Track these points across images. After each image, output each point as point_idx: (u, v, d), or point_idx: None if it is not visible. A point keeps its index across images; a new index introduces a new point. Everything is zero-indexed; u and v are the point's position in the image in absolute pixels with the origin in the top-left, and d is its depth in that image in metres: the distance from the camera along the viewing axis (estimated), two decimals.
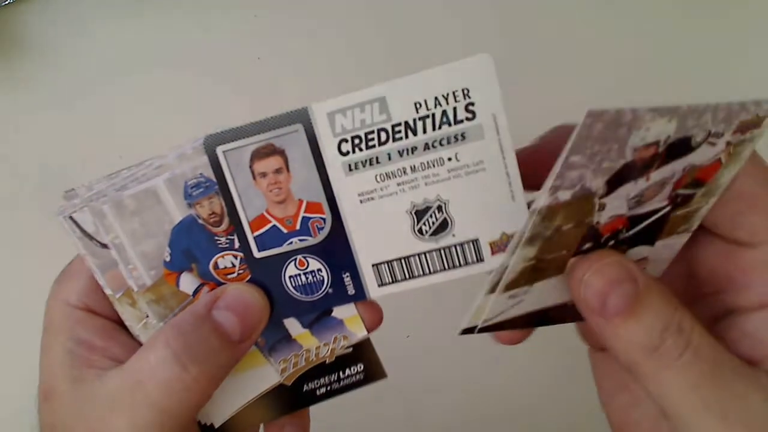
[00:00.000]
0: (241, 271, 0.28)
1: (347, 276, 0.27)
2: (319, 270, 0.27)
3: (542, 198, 0.22)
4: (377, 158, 0.26)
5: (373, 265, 0.27)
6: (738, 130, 0.24)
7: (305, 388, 0.30)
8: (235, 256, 0.28)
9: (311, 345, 0.29)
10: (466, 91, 0.25)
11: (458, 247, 0.27)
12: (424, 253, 0.27)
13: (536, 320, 0.27)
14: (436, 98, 0.25)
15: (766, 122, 0.24)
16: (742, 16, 0.52)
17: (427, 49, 0.48)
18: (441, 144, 0.26)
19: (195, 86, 0.48)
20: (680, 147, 0.24)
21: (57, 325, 0.28)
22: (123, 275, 0.27)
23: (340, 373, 0.30)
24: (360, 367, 0.30)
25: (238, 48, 0.48)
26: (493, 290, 0.25)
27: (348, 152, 0.26)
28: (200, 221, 0.27)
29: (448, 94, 0.25)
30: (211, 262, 0.28)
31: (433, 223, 0.26)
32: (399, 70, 0.49)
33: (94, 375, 0.27)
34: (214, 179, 0.27)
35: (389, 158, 0.26)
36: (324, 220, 0.27)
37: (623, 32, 0.50)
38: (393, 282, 0.27)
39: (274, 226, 0.27)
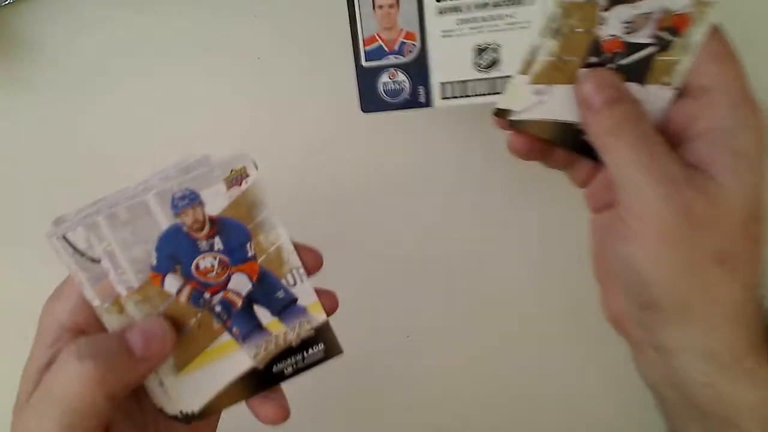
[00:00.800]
0: (219, 270, 0.32)
1: (421, 88, 0.37)
2: (404, 81, 0.36)
3: None
4: (460, 7, 0.35)
5: (440, 83, 0.36)
6: None
7: (275, 368, 0.34)
8: (215, 258, 0.32)
9: (280, 331, 0.34)
10: None
11: (500, 79, 0.36)
12: (477, 80, 0.36)
13: (556, 134, 0.35)
14: None
15: None
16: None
17: None
18: (505, 4, 0.35)
19: (195, 86, 0.49)
20: None
21: (43, 341, 0.31)
22: (112, 283, 0.31)
23: (304, 353, 0.34)
24: (321, 346, 0.34)
25: (238, 48, 0.48)
26: (524, 72, 0.35)
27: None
28: (184, 228, 0.31)
29: None
30: (193, 264, 0.32)
31: (488, 59, 0.36)
32: None
33: None
34: (198, 192, 0.31)
35: (468, 9, 0.35)
36: (415, 45, 0.36)
37: None
38: (452, 98, 0.36)
39: (380, 45, 0.36)
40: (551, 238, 0.49)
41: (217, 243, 0.32)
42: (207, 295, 0.33)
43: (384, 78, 0.36)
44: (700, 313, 0.31)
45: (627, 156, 0.31)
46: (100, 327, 0.32)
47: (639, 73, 0.33)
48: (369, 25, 0.36)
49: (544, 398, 0.51)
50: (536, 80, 0.35)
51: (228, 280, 0.33)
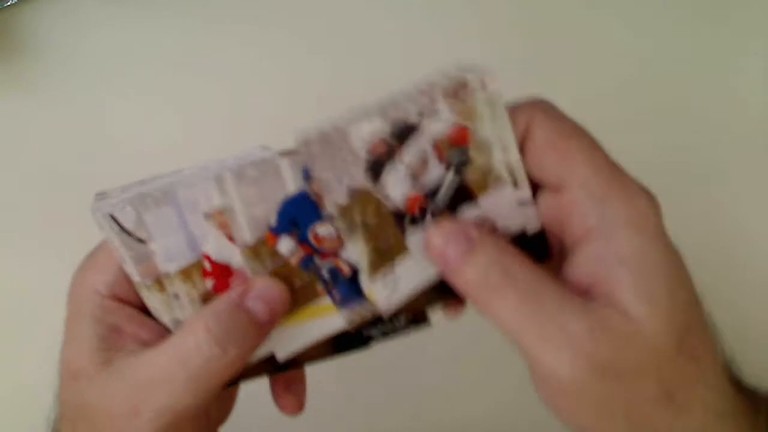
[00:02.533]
0: (336, 239, 0.32)
1: None
2: None
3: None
4: None
5: None
6: (452, 97, 0.29)
7: (365, 333, 0.34)
8: (333, 226, 0.32)
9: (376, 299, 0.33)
10: None
11: None
12: None
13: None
14: None
15: (472, 81, 0.28)
16: (743, 18, 0.53)
17: (434, 47, 0.49)
18: None
19: (195, 86, 0.49)
20: (404, 131, 0.29)
21: (86, 312, 0.31)
22: (156, 263, 0.31)
23: (394, 323, 0.34)
24: (409, 316, 0.34)
25: (239, 48, 0.49)
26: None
27: None
28: (312, 196, 0.31)
29: None
30: (311, 229, 0.31)
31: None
32: (403, 68, 0.46)
33: (125, 356, 0.30)
34: None
35: None
36: None
37: (623, 32, 0.52)
38: None
39: None
40: None
41: None
42: (317, 260, 0.32)
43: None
44: None
45: (505, 316, 0.27)
46: (139, 299, 0.31)
47: (462, 198, 0.31)
48: None
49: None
50: (373, 271, 0.32)
51: (340, 249, 0.32)
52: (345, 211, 0.30)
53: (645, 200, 0.27)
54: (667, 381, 0.26)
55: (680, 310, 0.26)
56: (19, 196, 0.49)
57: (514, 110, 0.29)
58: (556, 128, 0.28)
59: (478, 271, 0.28)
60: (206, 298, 0.32)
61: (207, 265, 0.31)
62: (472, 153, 0.30)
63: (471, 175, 0.30)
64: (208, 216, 0.30)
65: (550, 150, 0.28)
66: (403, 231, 0.31)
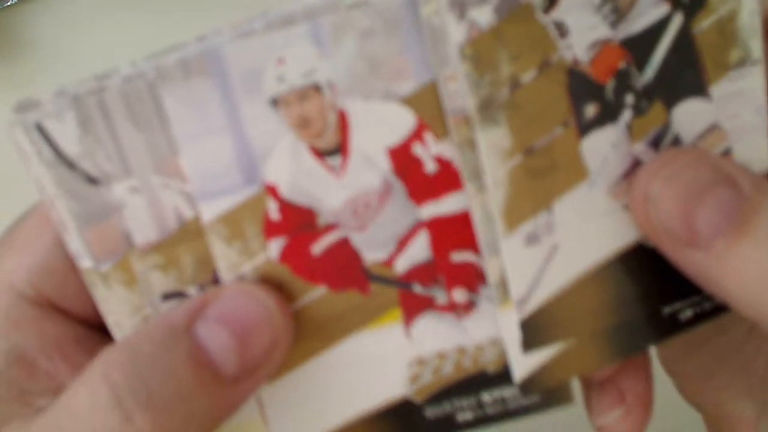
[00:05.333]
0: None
1: None
2: None
3: (453, 29, 0.14)
4: None
5: None
6: None
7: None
8: None
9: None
10: None
11: None
12: None
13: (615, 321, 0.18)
14: None
15: None
16: None
17: None
18: None
19: None
20: None
21: None
22: (124, 223, 0.16)
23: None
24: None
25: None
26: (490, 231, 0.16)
27: None
28: None
29: None
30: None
31: None
32: None
33: (22, 420, 0.17)
34: None
35: None
36: None
37: None
38: None
39: None
40: None
41: None
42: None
43: None
44: None
45: None
46: (83, 300, 0.18)
47: (685, 77, 0.17)
48: None
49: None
50: (514, 220, 0.16)
51: None
52: (480, 48, 0.15)
53: None
54: None
55: None
56: (19, 196, 0.43)
57: None
58: None
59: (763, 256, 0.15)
60: (267, 276, 0.16)
61: (272, 209, 0.16)
62: None
63: (701, 30, 0.16)
64: (278, 102, 0.16)
65: None
66: (580, 127, 0.16)
